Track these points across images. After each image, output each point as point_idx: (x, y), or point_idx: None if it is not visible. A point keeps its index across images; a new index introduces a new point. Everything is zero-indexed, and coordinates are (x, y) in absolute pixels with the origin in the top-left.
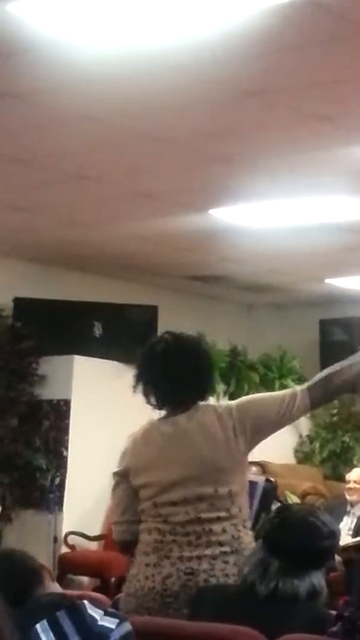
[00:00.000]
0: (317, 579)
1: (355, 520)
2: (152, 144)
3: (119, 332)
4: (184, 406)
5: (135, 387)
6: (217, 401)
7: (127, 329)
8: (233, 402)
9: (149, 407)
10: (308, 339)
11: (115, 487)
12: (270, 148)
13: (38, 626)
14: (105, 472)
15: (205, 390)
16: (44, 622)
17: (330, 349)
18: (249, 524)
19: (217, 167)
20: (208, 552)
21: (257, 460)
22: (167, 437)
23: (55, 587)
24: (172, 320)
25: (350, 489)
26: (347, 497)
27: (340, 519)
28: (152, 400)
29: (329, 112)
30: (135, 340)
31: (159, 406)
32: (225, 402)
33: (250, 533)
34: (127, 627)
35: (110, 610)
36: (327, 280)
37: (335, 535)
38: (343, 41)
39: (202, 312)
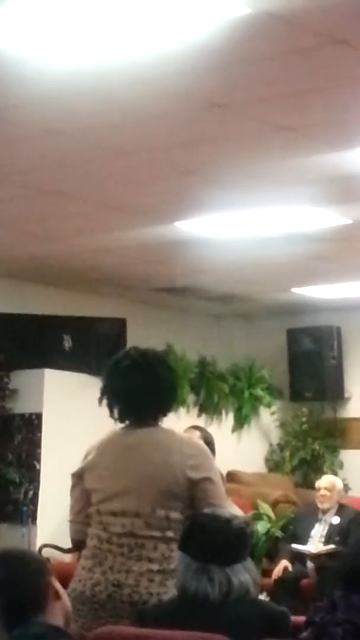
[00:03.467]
0: (250, 566)
1: (327, 527)
2: (118, 158)
3: (89, 345)
4: (146, 421)
5: (100, 399)
6: (187, 412)
7: (97, 342)
8: (204, 466)
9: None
10: (276, 348)
11: (72, 488)
12: (235, 159)
13: None
14: None
15: (167, 406)
16: None
17: (298, 357)
18: None
19: (183, 179)
20: (136, 567)
21: (229, 469)
22: (123, 447)
23: (57, 610)
24: (141, 333)
25: (322, 496)
26: (319, 504)
27: (311, 527)
28: (115, 413)
29: (293, 123)
30: (105, 353)
31: (121, 420)
32: (196, 449)
33: None
34: None
35: None
36: (294, 290)
37: (248, 522)
38: (304, 53)
39: (170, 323)
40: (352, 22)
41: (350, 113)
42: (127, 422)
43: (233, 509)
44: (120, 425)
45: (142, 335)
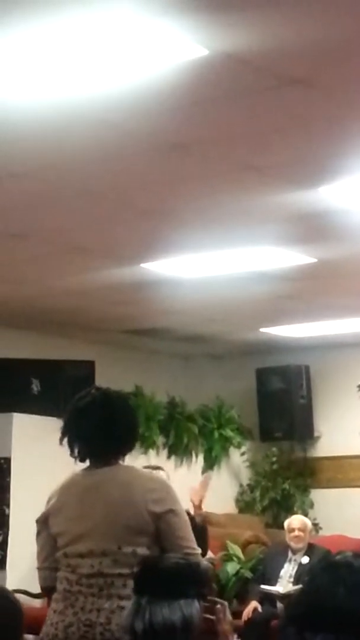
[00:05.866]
0: (189, 609)
1: (296, 567)
2: (81, 199)
3: (57, 388)
4: (106, 460)
5: (61, 438)
6: (157, 454)
7: (65, 385)
8: (164, 501)
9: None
10: (245, 388)
11: (37, 535)
12: (199, 200)
13: None
14: None
15: (126, 446)
16: None
17: (267, 397)
18: None
19: (147, 219)
20: (107, 605)
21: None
22: (84, 488)
23: None
24: (109, 375)
25: (296, 537)
26: (292, 544)
27: (281, 567)
28: (76, 452)
29: (255, 163)
30: (74, 395)
31: (81, 459)
32: (158, 484)
33: None
34: None
35: None
36: (262, 329)
37: (199, 565)
38: (263, 93)
39: (139, 365)
40: (310, 62)
41: (311, 152)
42: (88, 461)
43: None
44: (81, 466)
45: (111, 377)
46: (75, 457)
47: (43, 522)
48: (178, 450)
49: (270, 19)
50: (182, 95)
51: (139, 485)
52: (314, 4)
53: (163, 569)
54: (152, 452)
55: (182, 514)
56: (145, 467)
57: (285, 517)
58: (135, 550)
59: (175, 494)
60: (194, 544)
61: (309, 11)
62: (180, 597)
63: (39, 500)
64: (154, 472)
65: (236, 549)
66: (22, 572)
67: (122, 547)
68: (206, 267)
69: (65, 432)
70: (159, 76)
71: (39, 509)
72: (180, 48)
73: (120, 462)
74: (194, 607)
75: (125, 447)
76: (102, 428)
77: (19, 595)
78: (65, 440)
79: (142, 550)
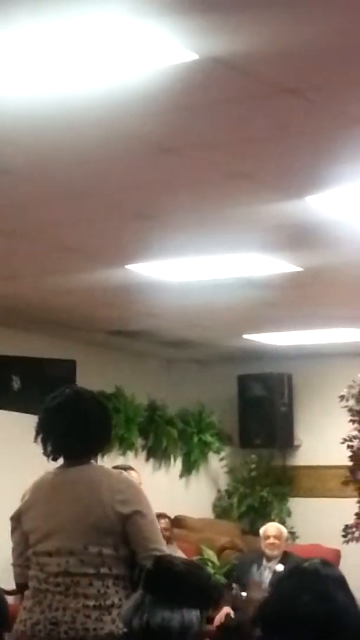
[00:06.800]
0: (189, 616)
1: (271, 574)
2: (68, 199)
3: (38, 386)
4: (78, 460)
5: (36, 436)
6: (135, 456)
7: (46, 383)
8: (132, 501)
9: None
10: (226, 394)
11: (12, 531)
12: (187, 204)
13: None
14: None
15: (97, 446)
16: None
17: (248, 404)
18: (122, 583)
19: (134, 222)
20: (72, 604)
21: (176, 514)
22: (54, 487)
23: None
24: (91, 375)
25: (271, 544)
26: (267, 552)
27: (255, 573)
28: (49, 450)
29: (244, 169)
30: None
31: (53, 456)
32: (126, 484)
33: (123, 591)
34: None
35: None
36: (245, 336)
37: (216, 585)
38: (252, 100)
39: (121, 366)
40: (300, 71)
41: (298, 161)
42: (60, 459)
43: (177, 553)
44: (54, 465)
45: (92, 378)
46: (47, 456)
47: (16, 519)
48: (157, 453)
49: (261, 26)
50: (171, 99)
51: (107, 486)
52: (305, 13)
53: (177, 572)
54: (130, 454)
55: (149, 515)
56: (115, 467)
57: (262, 525)
58: (101, 550)
59: (143, 495)
60: (161, 545)
61: (300, 20)
62: (185, 604)
63: (19, 497)
64: (124, 472)
65: (211, 554)
66: None
67: (88, 547)
68: (191, 271)
69: (39, 430)
70: (148, 79)
71: (16, 505)
72: (170, 52)
73: (93, 461)
74: (195, 616)
75: (97, 447)
76: (74, 427)
77: None
78: (39, 438)
79: (108, 551)
